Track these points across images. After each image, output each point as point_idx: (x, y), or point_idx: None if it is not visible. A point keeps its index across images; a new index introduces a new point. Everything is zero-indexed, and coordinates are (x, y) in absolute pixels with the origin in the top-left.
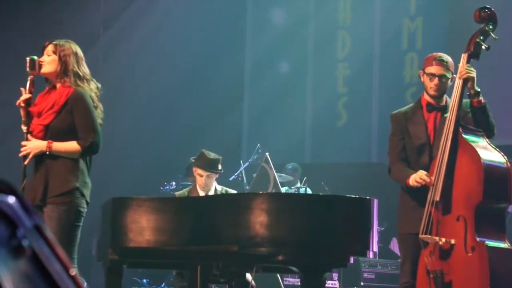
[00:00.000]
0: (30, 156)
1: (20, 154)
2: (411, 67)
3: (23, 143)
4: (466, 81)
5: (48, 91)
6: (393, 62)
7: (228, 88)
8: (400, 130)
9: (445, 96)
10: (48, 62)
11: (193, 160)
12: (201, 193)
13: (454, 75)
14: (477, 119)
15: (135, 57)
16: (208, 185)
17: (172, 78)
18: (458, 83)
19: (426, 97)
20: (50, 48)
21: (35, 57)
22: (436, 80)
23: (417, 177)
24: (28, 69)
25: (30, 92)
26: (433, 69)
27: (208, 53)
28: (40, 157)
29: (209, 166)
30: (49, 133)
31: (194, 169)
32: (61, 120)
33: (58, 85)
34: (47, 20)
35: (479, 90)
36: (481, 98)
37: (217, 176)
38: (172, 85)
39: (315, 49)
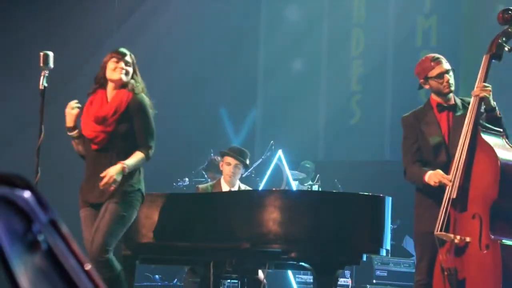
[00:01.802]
0: (114, 184)
1: (102, 184)
2: None
3: (102, 174)
4: (482, 99)
5: (97, 94)
6: (407, 60)
7: (242, 85)
8: (413, 133)
9: (452, 94)
10: (127, 72)
11: (221, 150)
12: (225, 188)
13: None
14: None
15: (148, 55)
16: (235, 174)
17: (186, 76)
18: (474, 100)
19: (435, 97)
20: (128, 59)
21: (49, 52)
22: (446, 77)
23: (434, 178)
24: (42, 64)
25: (44, 88)
26: (438, 68)
27: (221, 51)
28: (102, 159)
29: (239, 154)
30: (111, 139)
31: (224, 158)
32: (122, 126)
33: (116, 90)
34: (60, 18)
35: (494, 106)
36: (497, 112)
37: (242, 171)
38: (185, 82)
39: (329, 47)
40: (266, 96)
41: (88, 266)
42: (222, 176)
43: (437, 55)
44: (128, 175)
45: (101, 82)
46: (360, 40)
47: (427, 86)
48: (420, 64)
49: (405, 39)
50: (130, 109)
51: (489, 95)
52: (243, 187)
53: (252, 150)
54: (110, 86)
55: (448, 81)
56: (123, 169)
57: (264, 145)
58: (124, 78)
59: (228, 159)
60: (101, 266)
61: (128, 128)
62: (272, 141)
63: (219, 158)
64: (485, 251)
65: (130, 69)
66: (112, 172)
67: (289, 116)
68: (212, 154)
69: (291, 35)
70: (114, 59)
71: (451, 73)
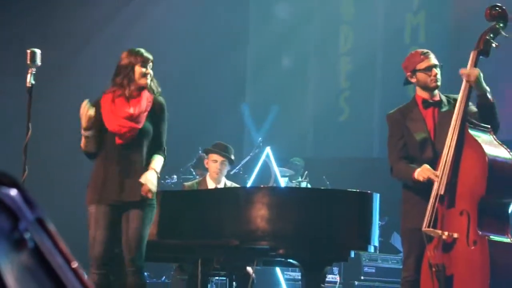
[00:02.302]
0: (153, 190)
1: (146, 191)
2: None
3: (142, 180)
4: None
5: (116, 92)
6: (396, 57)
7: (231, 82)
8: (398, 129)
9: (437, 91)
10: (151, 76)
11: (206, 148)
12: (211, 185)
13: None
14: (484, 117)
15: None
16: (222, 171)
17: (174, 73)
18: (464, 84)
19: (421, 93)
20: (151, 64)
21: (37, 50)
22: (434, 71)
23: (423, 173)
24: (29, 62)
25: (31, 85)
26: (427, 62)
27: (210, 48)
28: (129, 155)
29: (225, 150)
30: (139, 136)
31: (209, 155)
32: (148, 125)
33: (140, 91)
34: (49, 14)
35: (487, 89)
36: (489, 97)
37: (229, 167)
38: (174, 79)
39: (317, 43)
40: (254, 92)
41: (75, 264)
42: (208, 173)
43: (426, 50)
44: None
45: (125, 83)
46: (348, 37)
47: (413, 80)
48: (408, 58)
49: (394, 36)
50: (154, 109)
51: (480, 77)
52: (229, 183)
53: (241, 147)
54: (132, 86)
55: (435, 75)
56: (157, 174)
57: (252, 142)
58: (149, 82)
59: (214, 156)
60: (139, 273)
61: (152, 127)
62: (260, 138)
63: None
64: (472, 247)
65: (152, 73)
66: (152, 178)
67: (278, 112)
68: (200, 151)
69: (280, 32)
70: (142, 63)
71: (438, 68)
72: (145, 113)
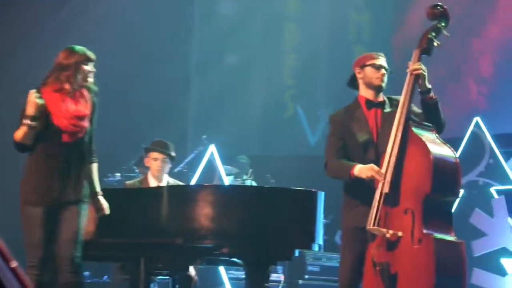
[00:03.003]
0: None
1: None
2: None
3: (105, 206)
4: (417, 77)
5: (64, 91)
6: (340, 54)
7: (175, 79)
8: (340, 130)
9: (381, 93)
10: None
11: (146, 146)
12: (153, 184)
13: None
14: (429, 116)
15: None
16: (163, 169)
17: (116, 69)
18: (409, 78)
19: (364, 94)
20: (94, 63)
21: None
22: (382, 71)
23: (367, 172)
24: None
25: None
26: (378, 60)
27: (153, 44)
28: (73, 155)
29: (165, 148)
30: (84, 136)
31: (149, 154)
32: (90, 125)
33: (85, 91)
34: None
35: (430, 86)
36: (432, 94)
37: (170, 165)
38: (116, 76)
39: (263, 40)
40: (199, 90)
41: (14, 264)
42: (150, 172)
43: (380, 53)
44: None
45: (71, 81)
46: (293, 34)
47: (360, 75)
48: (360, 57)
49: (338, 33)
50: (92, 110)
51: (426, 73)
52: (172, 181)
53: (185, 144)
54: (78, 85)
55: (382, 75)
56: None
57: (196, 139)
58: (91, 82)
59: (154, 154)
60: (76, 272)
61: (91, 127)
62: (204, 136)
63: None
64: (417, 245)
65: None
66: (107, 205)
67: (223, 110)
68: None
69: (225, 28)
70: (87, 62)
71: (387, 73)
72: (90, 113)
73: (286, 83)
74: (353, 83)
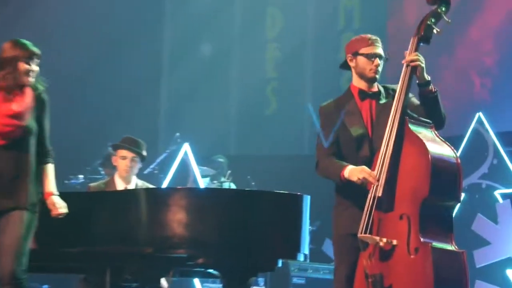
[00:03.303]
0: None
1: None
2: None
3: (58, 206)
4: (414, 69)
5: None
6: (328, 44)
7: (145, 71)
8: (331, 123)
9: (376, 82)
10: (35, 73)
11: (114, 144)
12: (120, 186)
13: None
14: (428, 110)
15: (41, 33)
16: (132, 169)
17: (82, 59)
18: (405, 70)
19: (357, 84)
20: (37, 60)
21: None
22: (377, 61)
23: (359, 174)
24: None
25: None
26: (373, 48)
27: (122, 33)
28: (6, 155)
29: (135, 145)
30: (24, 135)
31: (117, 151)
32: (32, 123)
33: (26, 88)
34: None
35: (429, 79)
36: (431, 87)
37: (140, 165)
38: (81, 67)
39: (242, 28)
40: (171, 83)
41: None
42: (117, 172)
43: (376, 37)
44: (38, 182)
45: (8, 78)
46: (276, 21)
47: (352, 64)
48: (354, 40)
49: (326, 20)
50: (37, 107)
51: (423, 64)
52: (141, 183)
53: (156, 143)
54: (15, 82)
55: (376, 66)
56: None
57: (169, 138)
58: (32, 80)
59: (123, 152)
60: (21, 287)
61: (36, 125)
62: (177, 134)
63: None
64: (413, 255)
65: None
66: (60, 201)
67: (197, 105)
68: (109, 148)
69: (199, 14)
70: (26, 59)
71: (382, 61)
72: (29, 110)
73: (268, 75)
74: (346, 65)
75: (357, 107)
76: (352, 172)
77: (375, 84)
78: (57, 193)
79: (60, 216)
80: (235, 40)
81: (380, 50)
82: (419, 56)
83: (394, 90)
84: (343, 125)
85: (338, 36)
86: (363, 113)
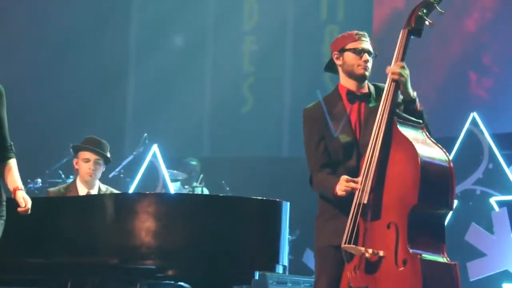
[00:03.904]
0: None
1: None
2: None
3: (22, 200)
4: (397, 84)
5: None
6: (309, 37)
7: (109, 64)
8: (318, 129)
9: (366, 82)
10: None
11: (75, 145)
12: (82, 191)
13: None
14: None
15: None
16: (95, 172)
17: (41, 51)
18: (389, 82)
19: (345, 83)
20: None
21: None
22: (365, 56)
23: (341, 186)
24: None
25: None
26: (361, 43)
27: (85, 23)
28: None
29: (98, 147)
30: None
31: (78, 153)
32: None
33: None
34: None
35: (414, 96)
36: (417, 105)
37: (104, 168)
38: (40, 59)
39: (216, 19)
40: (138, 78)
41: None
42: (78, 176)
43: (363, 32)
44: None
45: None
46: (253, 11)
47: (339, 62)
48: (339, 36)
49: (308, 10)
50: None
51: (406, 79)
52: (105, 188)
53: (121, 144)
54: None
55: (365, 62)
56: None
57: (135, 138)
58: None
59: (86, 154)
60: None
61: None
62: (145, 134)
63: None
64: (401, 268)
65: None
66: (27, 197)
67: (167, 102)
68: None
69: (170, 3)
70: None
71: (371, 57)
72: None
73: (244, 70)
74: (332, 66)
75: (345, 110)
76: (338, 187)
77: (365, 84)
78: (22, 186)
79: (27, 212)
80: (208, 31)
81: (368, 45)
82: (403, 69)
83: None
84: (330, 131)
85: (320, 28)
86: (352, 117)
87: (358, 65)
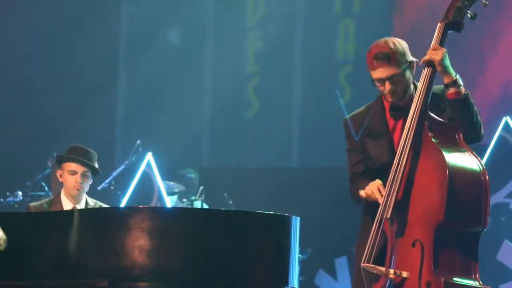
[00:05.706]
0: None
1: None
2: (345, 39)
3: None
4: (432, 64)
5: None
6: (322, 32)
7: (98, 65)
8: (358, 144)
9: (411, 90)
10: None
11: (59, 155)
12: (67, 206)
13: (414, 60)
14: (457, 117)
15: None
16: (83, 186)
17: (24, 51)
18: (426, 69)
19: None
20: None
21: None
22: (387, 85)
23: (369, 186)
24: None
25: None
26: (377, 72)
27: (73, 20)
28: None
29: (85, 157)
30: None
31: (63, 165)
32: None
33: None
34: None
35: (455, 77)
36: (460, 88)
37: (91, 181)
38: (23, 60)
39: (216, 13)
40: (130, 79)
41: None
42: (63, 189)
43: (388, 50)
44: None
45: None
46: (258, 4)
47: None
48: (367, 53)
49: (319, 3)
50: None
51: (442, 57)
52: (93, 203)
53: (112, 152)
54: None
55: (390, 90)
56: None
57: (127, 146)
58: None
59: (72, 165)
60: None
61: None
62: (138, 141)
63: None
64: None
65: None
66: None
67: (162, 107)
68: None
69: None
70: None
71: (396, 78)
72: None
73: (248, 71)
74: None
75: (387, 127)
76: (366, 187)
77: (408, 95)
78: None
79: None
80: (209, 27)
81: (388, 71)
82: (437, 50)
83: (435, 94)
84: (366, 151)
85: (334, 24)
86: (395, 136)
87: (385, 94)
